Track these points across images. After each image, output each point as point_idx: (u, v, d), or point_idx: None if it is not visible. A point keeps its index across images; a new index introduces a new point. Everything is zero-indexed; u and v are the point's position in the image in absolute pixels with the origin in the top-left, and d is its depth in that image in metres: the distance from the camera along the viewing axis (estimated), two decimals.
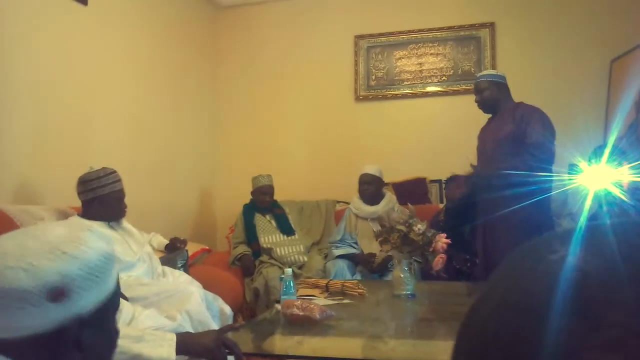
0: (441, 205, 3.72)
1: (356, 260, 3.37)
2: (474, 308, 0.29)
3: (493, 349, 0.26)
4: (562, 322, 0.23)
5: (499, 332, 0.26)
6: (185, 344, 1.41)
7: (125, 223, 2.46)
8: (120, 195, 2.37)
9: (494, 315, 0.27)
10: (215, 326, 2.03)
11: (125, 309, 1.74)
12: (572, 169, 2.58)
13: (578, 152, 2.32)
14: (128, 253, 2.30)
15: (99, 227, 2.25)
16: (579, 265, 0.25)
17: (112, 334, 0.78)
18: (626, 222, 0.27)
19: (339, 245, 3.49)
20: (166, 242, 2.88)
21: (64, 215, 2.40)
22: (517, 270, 0.28)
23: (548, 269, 0.26)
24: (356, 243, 3.49)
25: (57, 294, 0.67)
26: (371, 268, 3.25)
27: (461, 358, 0.28)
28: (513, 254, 0.29)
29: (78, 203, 2.38)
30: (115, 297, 0.77)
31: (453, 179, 3.49)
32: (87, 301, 0.70)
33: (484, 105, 2.89)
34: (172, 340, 1.39)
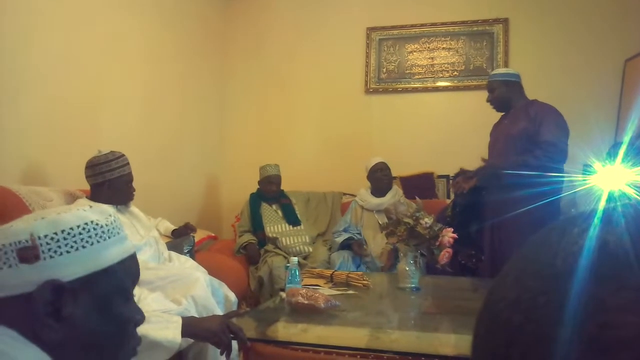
0: (448, 201, 3.70)
1: (351, 246, 3.40)
2: (496, 282, 0.30)
3: (513, 312, 0.27)
4: (584, 286, 0.25)
5: (519, 297, 0.27)
6: (191, 327, 1.42)
7: (132, 207, 2.48)
8: (128, 179, 2.39)
9: (516, 283, 0.28)
10: (219, 312, 2.05)
11: None
12: (586, 169, 2.56)
13: (590, 152, 2.30)
14: (135, 237, 2.31)
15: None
16: (600, 235, 0.27)
17: (117, 320, 0.74)
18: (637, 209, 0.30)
19: (341, 233, 3.50)
20: (173, 227, 2.89)
21: (72, 197, 2.41)
22: (539, 245, 0.29)
23: (571, 239, 0.28)
24: (360, 234, 3.50)
25: (27, 253, 0.67)
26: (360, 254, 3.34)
27: (483, 325, 0.29)
28: (534, 236, 0.30)
29: (86, 185, 2.40)
30: (118, 280, 0.74)
31: (461, 174, 3.48)
32: (65, 268, 0.69)
33: (495, 104, 2.90)
34: (177, 322, 1.40)
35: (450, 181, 3.77)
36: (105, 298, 0.72)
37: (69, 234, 0.70)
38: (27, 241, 0.68)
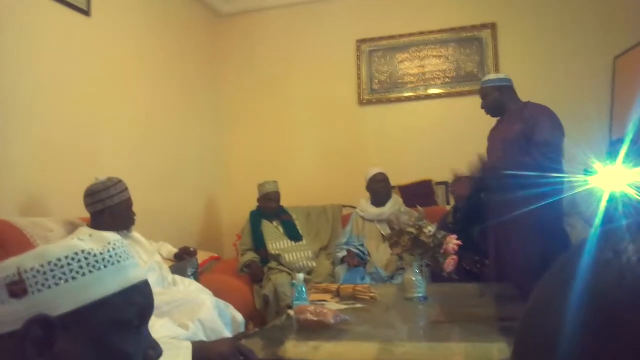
0: (448, 207, 3.71)
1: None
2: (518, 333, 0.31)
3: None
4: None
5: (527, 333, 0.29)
6: (201, 351, 1.40)
7: (134, 232, 2.46)
8: (128, 204, 2.38)
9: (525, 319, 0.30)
10: (228, 334, 2.03)
11: None
12: (587, 169, 2.56)
13: (588, 151, 2.31)
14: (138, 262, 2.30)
15: None
16: (597, 251, 0.27)
17: (117, 355, 0.69)
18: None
19: (343, 247, 3.50)
20: (175, 250, 2.88)
21: (72, 226, 2.40)
22: (544, 295, 0.30)
23: (567, 274, 0.28)
24: (362, 245, 3.49)
25: (15, 288, 0.65)
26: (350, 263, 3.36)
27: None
28: (542, 282, 0.31)
29: (86, 214, 2.38)
30: (117, 312, 0.69)
31: (457, 179, 3.49)
32: (53, 301, 0.65)
33: (489, 110, 2.92)
34: (187, 348, 1.39)
35: (449, 187, 3.77)
36: (102, 332, 0.68)
37: (55, 265, 0.67)
38: (14, 275, 0.66)
